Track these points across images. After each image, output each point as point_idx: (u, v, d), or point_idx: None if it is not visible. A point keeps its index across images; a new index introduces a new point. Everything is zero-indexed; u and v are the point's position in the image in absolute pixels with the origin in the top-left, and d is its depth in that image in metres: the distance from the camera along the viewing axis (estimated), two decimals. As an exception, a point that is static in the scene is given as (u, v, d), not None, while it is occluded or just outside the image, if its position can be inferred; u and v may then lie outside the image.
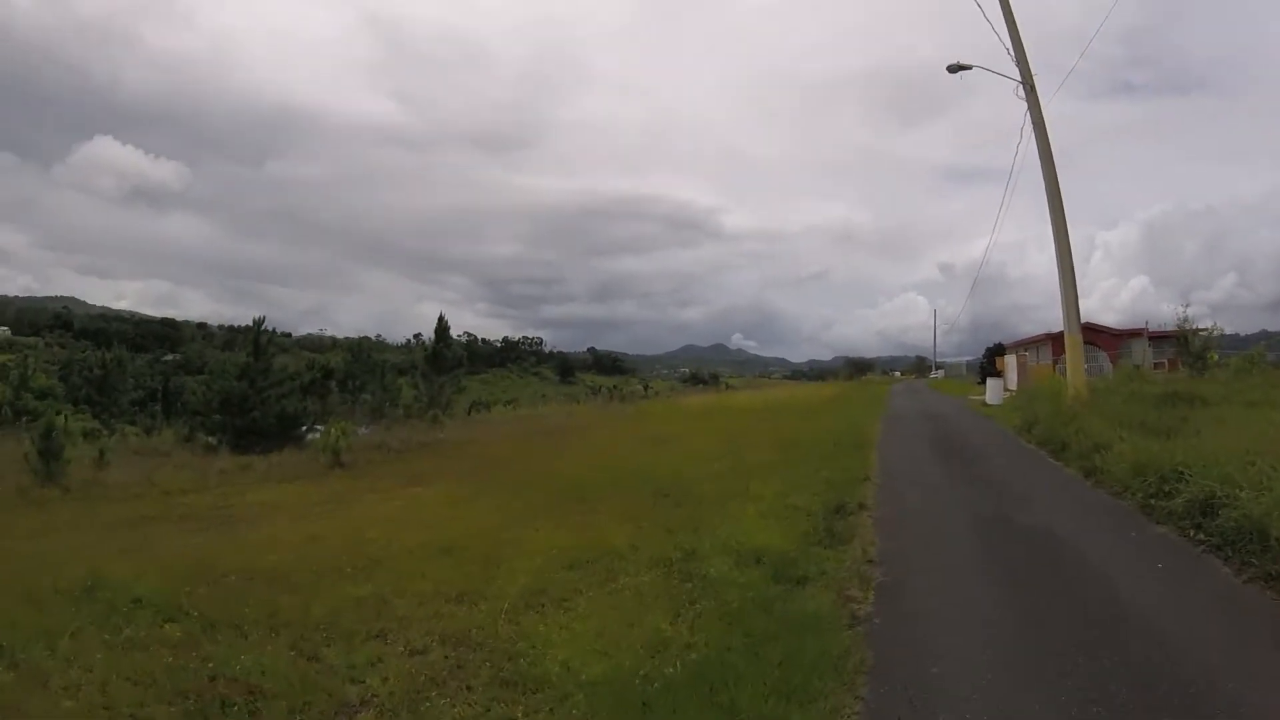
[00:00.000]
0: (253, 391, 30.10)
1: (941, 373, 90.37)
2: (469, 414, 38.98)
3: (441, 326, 37.84)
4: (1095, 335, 51.69)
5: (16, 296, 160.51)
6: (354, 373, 45.68)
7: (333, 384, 36.92)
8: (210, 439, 29.20)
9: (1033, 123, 17.77)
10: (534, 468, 15.69)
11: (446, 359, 37.10)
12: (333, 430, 22.63)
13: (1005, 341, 47.55)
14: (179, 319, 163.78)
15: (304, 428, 29.09)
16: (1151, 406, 14.32)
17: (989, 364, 36.86)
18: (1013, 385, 27.91)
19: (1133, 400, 15.16)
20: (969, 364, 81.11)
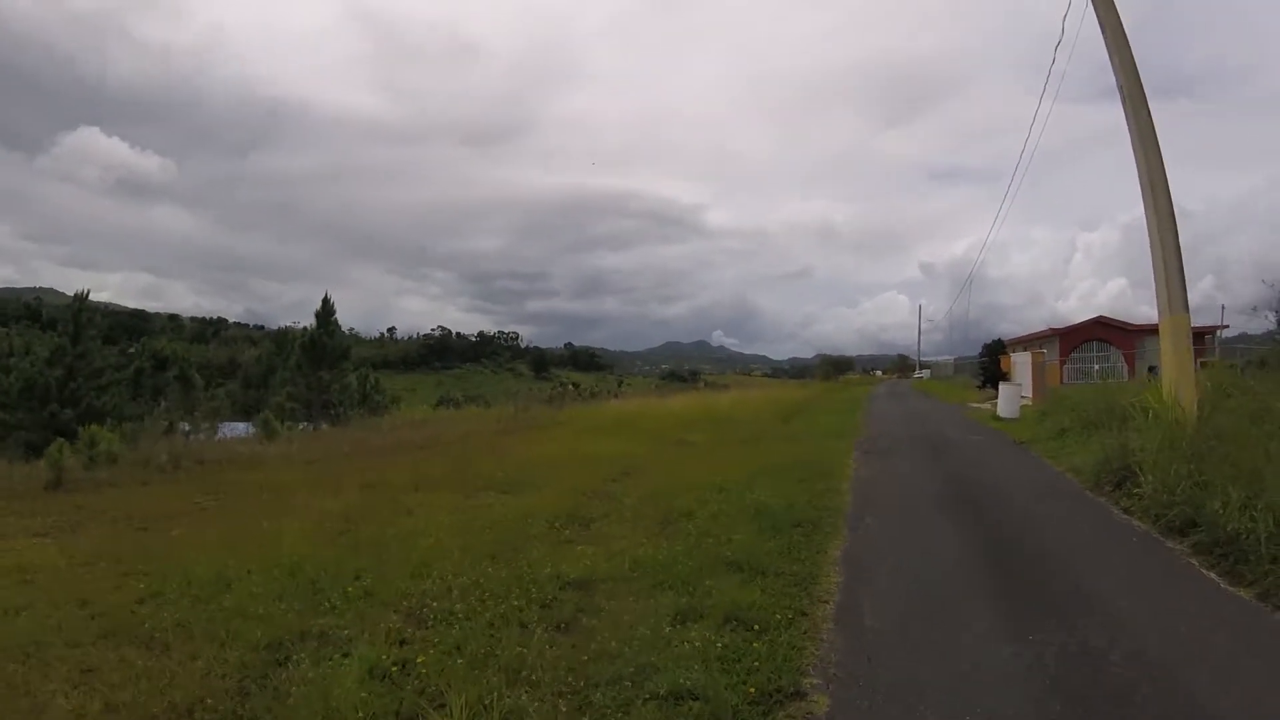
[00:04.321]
0: (64, 382, 23.43)
1: (927, 373, 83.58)
2: (360, 414, 31.91)
3: (325, 310, 30.73)
4: (1109, 332, 45.20)
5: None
6: (274, 365, 39.28)
7: (176, 376, 29.74)
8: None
9: (1108, 45, 11.00)
10: (223, 532, 8.82)
11: (328, 350, 29.97)
12: (81, 439, 15.96)
13: (1004, 339, 40.88)
14: (153, 311, 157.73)
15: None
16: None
17: (991, 364, 30.13)
18: (1028, 392, 21.11)
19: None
20: (956, 363, 74.48)
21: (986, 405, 25.29)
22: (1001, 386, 19.59)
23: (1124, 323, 45.30)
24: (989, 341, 39.58)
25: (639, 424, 19.75)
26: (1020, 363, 28.69)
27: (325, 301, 30.72)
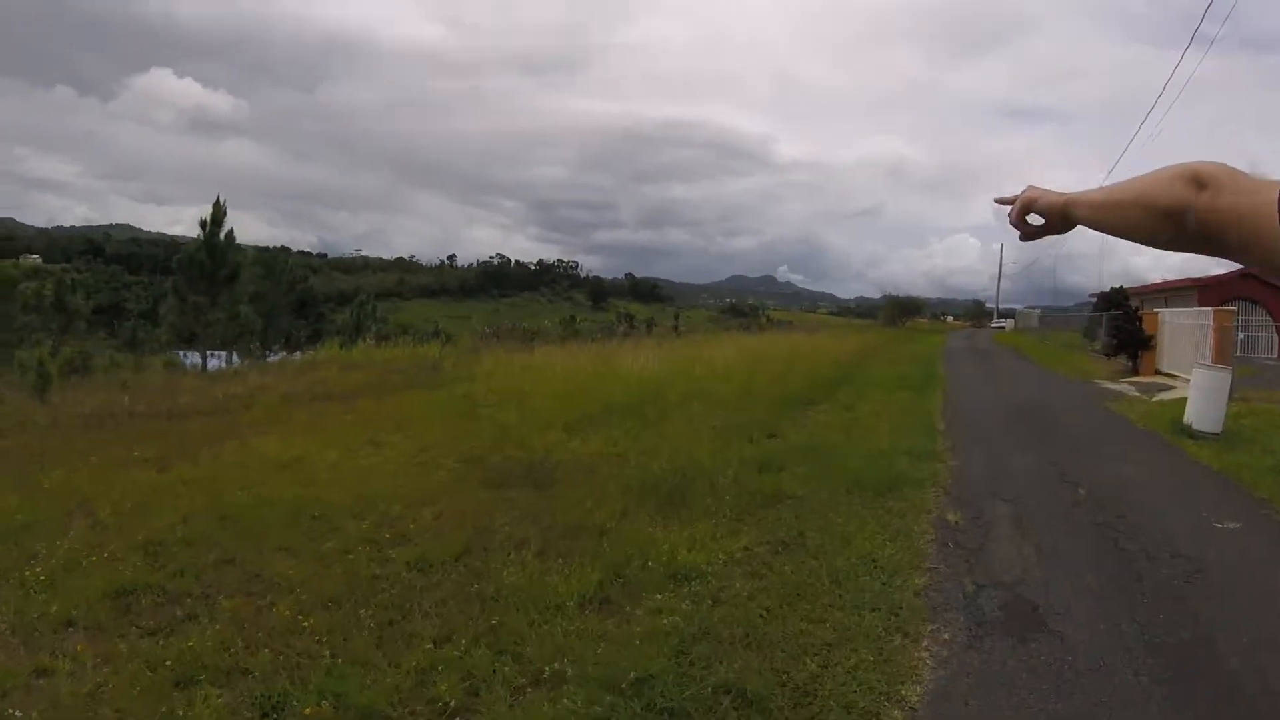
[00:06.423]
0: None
1: (1008, 324, 72.15)
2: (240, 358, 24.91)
3: (215, 217, 23.25)
4: (1260, 290, 34.40)
5: (74, 226, 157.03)
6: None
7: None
8: None
9: None
10: None
11: (205, 269, 22.60)
12: None
13: (1124, 287, 30.87)
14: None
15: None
16: None
17: (1127, 318, 21.00)
18: (1225, 379, 12.06)
19: None
20: (1043, 315, 63.13)
21: (1129, 388, 16.49)
22: (1197, 372, 10.93)
23: (1281, 278, 34.42)
24: (1104, 290, 29.91)
25: (590, 394, 11.79)
26: (1175, 325, 19.51)
27: (216, 206, 23.23)
